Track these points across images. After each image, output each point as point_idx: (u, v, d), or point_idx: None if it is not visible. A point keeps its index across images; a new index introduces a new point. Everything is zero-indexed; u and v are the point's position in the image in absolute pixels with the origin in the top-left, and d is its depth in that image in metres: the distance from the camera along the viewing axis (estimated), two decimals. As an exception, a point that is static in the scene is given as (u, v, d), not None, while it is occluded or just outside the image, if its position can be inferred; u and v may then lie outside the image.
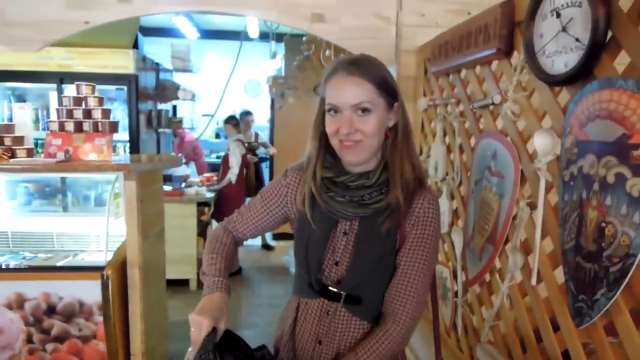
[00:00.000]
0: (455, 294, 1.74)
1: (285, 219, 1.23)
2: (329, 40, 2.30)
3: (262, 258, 5.50)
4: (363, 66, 1.06)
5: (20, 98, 4.44)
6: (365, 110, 1.04)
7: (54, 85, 4.08)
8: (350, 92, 1.04)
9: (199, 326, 1.00)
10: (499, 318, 1.44)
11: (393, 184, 1.08)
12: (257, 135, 5.77)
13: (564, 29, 1.10)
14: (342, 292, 1.12)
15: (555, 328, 1.16)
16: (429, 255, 1.11)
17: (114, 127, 2.16)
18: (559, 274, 1.12)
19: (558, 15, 1.11)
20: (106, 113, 2.18)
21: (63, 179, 2.89)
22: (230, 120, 4.98)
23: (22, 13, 2.09)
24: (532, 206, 1.25)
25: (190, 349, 1.03)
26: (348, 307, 1.13)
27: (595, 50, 1.00)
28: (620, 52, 0.98)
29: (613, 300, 0.92)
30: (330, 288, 1.13)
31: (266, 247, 5.84)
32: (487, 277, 1.50)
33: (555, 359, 1.15)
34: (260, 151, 5.73)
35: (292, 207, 1.19)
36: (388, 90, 1.08)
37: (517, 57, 1.35)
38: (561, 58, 1.11)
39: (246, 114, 5.65)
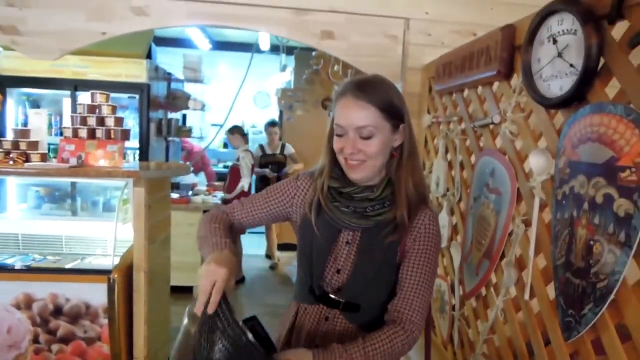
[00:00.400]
0: (453, 307, 1.78)
1: (286, 218, 1.28)
2: (338, 56, 2.37)
3: (266, 267, 5.53)
4: (370, 90, 1.11)
5: (35, 104, 4.54)
6: (367, 136, 1.09)
7: (68, 92, 4.17)
8: (355, 115, 1.09)
9: (213, 276, 0.98)
10: (494, 331, 1.47)
11: (399, 201, 1.13)
12: (283, 146, 5.39)
13: (559, 55, 1.15)
14: (341, 300, 1.17)
15: (547, 342, 1.20)
16: (432, 268, 1.16)
17: (125, 135, 2.23)
18: (551, 290, 1.16)
19: (554, 42, 1.17)
20: (119, 121, 2.25)
21: (73, 184, 2.97)
22: (235, 130, 4.92)
23: (43, 23, 2.18)
24: (527, 223, 1.30)
25: (190, 306, 1.01)
26: (345, 314, 1.18)
27: (588, 76, 1.05)
28: (612, 79, 1.03)
29: (599, 315, 0.96)
30: (331, 295, 1.17)
31: (270, 260, 5.66)
32: (483, 291, 1.54)
33: (545, 372, 1.18)
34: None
35: (297, 210, 1.24)
36: (394, 113, 1.12)
37: (517, 79, 1.41)
38: (557, 82, 1.16)
39: (270, 124, 5.38)
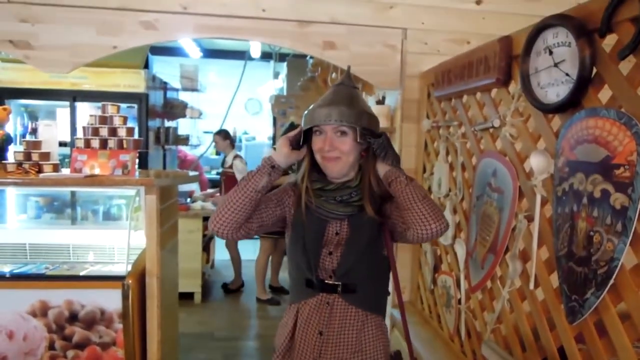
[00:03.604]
0: (459, 301, 1.88)
1: (282, 219, 1.41)
2: (339, 65, 2.48)
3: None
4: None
5: (33, 115, 4.58)
6: (342, 131, 1.29)
7: (67, 103, 4.22)
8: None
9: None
10: (500, 321, 1.58)
11: (364, 190, 1.33)
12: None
13: (555, 65, 1.27)
14: (338, 283, 1.31)
15: (551, 327, 1.31)
16: None
17: (138, 144, 2.31)
18: (554, 279, 1.27)
19: (550, 53, 1.29)
20: (130, 131, 2.33)
21: (73, 194, 3.02)
22: (224, 134, 4.75)
23: (55, 38, 2.24)
24: (529, 219, 1.41)
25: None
26: (345, 296, 1.31)
27: (583, 84, 1.17)
28: (604, 86, 1.15)
29: (601, 298, 1.07)
30: (327, 282, 1.32)
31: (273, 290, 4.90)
32: (489, 284, 1.65)
33: (551, 354, 1.29)
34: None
35: (290, 211, 1.40)
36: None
37: (514, 86, 1.52)
38: (553, 89, 1.28)
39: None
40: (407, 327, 1.46)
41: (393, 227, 1.34)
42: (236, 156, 4.73)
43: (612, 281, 1.04)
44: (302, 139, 1.34)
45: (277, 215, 1.38)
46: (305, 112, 1.33)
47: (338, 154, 1.28)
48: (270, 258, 4.64)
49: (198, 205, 4.60)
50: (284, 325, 1.42)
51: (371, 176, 1.33)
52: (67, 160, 3.30)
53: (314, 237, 1.33)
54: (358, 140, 1.29)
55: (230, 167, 4.69)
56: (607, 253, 1.05)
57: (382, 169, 1.31)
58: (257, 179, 1.27)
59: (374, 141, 1.29)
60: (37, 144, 2.38)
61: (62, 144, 4.60)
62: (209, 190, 5.58)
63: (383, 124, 2.59)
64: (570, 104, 1.22)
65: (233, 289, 4.87)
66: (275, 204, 1.38)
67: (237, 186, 1.28)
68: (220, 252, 6.01)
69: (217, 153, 9.05)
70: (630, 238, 0.99)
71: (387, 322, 1.51)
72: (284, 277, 4.77)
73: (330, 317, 1.32)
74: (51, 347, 2.29)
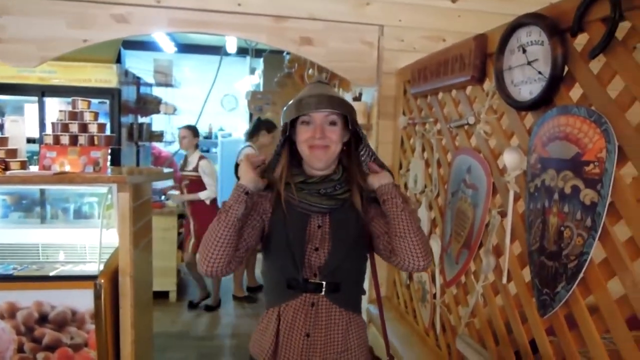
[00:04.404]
0: (434, 296, 1.91)
1: (262, 231, 1.35)
2: (316, 62, 2.47)
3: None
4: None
5: (-1, 110, 4.44)
6: (333, 121, 1.30)
7: (35, 98, 4.10)
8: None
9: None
10: (474, 315, 1.60)
11: (352, 181, 1.33)
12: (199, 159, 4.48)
13: (529, 63, 1.29)
14: (322, 282, 1.28)
15: (523, 320, 1.33)
16: None
17: (110, 140, 2.26)
18: (526, 273, 1.30)
19: (524, 51, 1.31)
20: (102, 127, 2.28)
21: (42, 192, 2.93)
22: (193, 129, 4.25)
23: (23, 30, 2.17)
24: (503, 214, 1.43)
25: None
26: (329, 296, 1.29)
27: (555, 82, 1.19)
28: (575, 84, 1.17)
29: (571, 291, 1.09)
30: (311, 280, 1.28)
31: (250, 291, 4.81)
32: (463, 278, 1.67)
33: (523, 347, 1.32)
34: None
35: (267, 214, 1.35)
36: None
37: (489, 83, 1.54)
38: (527, 87, 1.30)
39: (259, 123, 4.62)
40: (384, 325, 1.47)
41: (375, 239, 1.34)
42: (201, 157, 4.19)
43: (581, 275, 1.07)
44: (283, 137, 1.33)
45: (258, 229, 1.33)
46: (285, 107, 1.32)
47: (327, 142, 1.27)
48: None
49: (172, 202, 4.52)
50: (264, 331, 1.34)
51: (356, 169, 1.33)
52: (35, 157, 3.21)
53: (297, 232, 1.30)
54: (350, 128, 1.30)
55: (195, 169, 4.13)
56: (577, 248, 1.08)
57: (377, 181, 1.29)
58: (235, 208, 1.22)
59: (360, 131, 1.30)
60: (3, 141, 2.30)
61: (30, 141, 4.46)
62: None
63: (360, 120, 2.59)
64: (543, 102, 1.24)
65: (214, 306, 4.42)
66: (254, 219, 1.33)
67: (217, 220, 1.23)
68: (196, 249, 5.95)
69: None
70: (599, 233, 1.02)
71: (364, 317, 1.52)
72: (258, 274, 4.73)
73: (316, 318, 1.28)
74: (20, 349, 2.23)
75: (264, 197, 1.36)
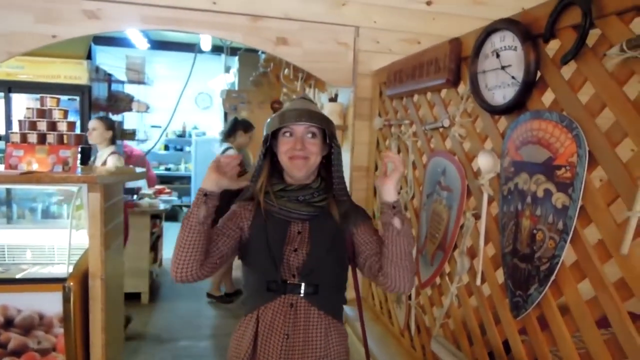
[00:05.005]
0: (409, 297, 1.92)
1: (239, 241, 1.37)
2: (292, 62, 2.46)
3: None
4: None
5: (-38, 106, 4.26)
6: (313, 133, 1.34)
7: (1, 94, 3.96)
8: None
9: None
10: (449, 316, 1.62)
11: (331, 193, 1.38)
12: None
13: (502, 68, 1.31)
14: (301, 283, 1.30)
15: (497, 321, 1.35)
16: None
17: (79, 139, 2.19)
18: (500, 275, 1.32)
19: (498, 56, 1.33)
20: (71, 126, 2.21)
21: (8, 191, 2.84)
22: (106, 121, 3.73)
23: (-12, 25, 2.09)
24: (477, 217, 1.45)
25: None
26: (307, 298, 1.30)
27: (528, 87, 1.21)
28: (547, 89, 1.20)
29: (543, 293, 1.11)
30: (290, 282, 1.30)
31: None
32: (438, 280, 1.69)
33: (497, 347, 1.34)
34: None
35: (247, 222, 1.37)
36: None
37: (464, 87, 1.56)
38: (500, 92, 1.32)
39: (235, 123, 4.36)
40: (364, 329, 1.48)
41: (359, 255, 1.37)
42: (113, 153, 3.68)
43: (553, 277, 1.09)
44: (264, 147, 1.37)
45: (234, 239, 1.35)
46: (269, 120, 1.37)
47: (307, 153, 1.32)
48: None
49: (146, 202, 4.44)
50: (241, 337, 1.35)
51: (333, 177, 1.37)
52: (0, 155, 3.09)
53: (277, 236, 1.33)
54: (327, 142, 1.36)
55: (104, 165, 3.60)
56: (549, 250, 1.10)
57: (383, 195, 1.27)
58: (195, 212, 1.23)
59: (336, 145, 1.35)
60: (-34, 139, 2.22)
61: (-5, 138, 4.32)
62: (158, 187, 5.39)
63: (336, 121, 2.60)
64: (516, 106, 1.26)
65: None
66: (230, 228, 1.36)
67: (182, 226, 1.24)
68: (169, 250, 5.85)
69: (166, 147, 8.80)
70: (570, 236, 1.04)
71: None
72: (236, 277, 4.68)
73: (295, 319, 1.29)
74: (-16, 354, 2.15)
75: (244, 206, 1.39)
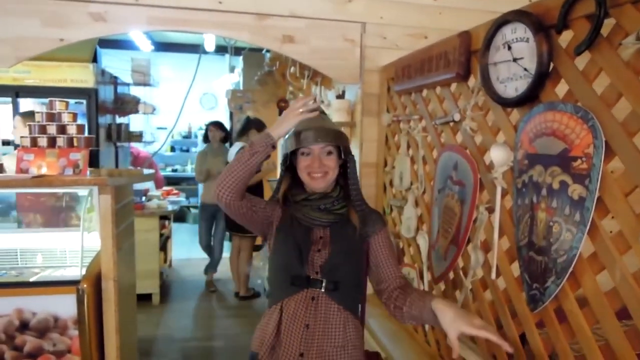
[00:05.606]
0: (422, 293, 1.91)
1: (266, 219, 1.50)
2: (299, 60, 2.45)
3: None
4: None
5: (-30, 112, 4.30)
6: (329, 151, 1.44)
7: (9, 99, 3.98)
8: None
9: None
10: (463, 311, 1.61)
11: (349, 201, 1.47)
12: None
13: (514, 60, 1.30)
14: (323, 279, 1.39)
15: (513, 315, 1.35)
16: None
17: (89, 142, 2.20)
18: (515, 268, 1.31)
19: (509, 48, 1.32)
20: (81, 128, 2.22)
21: (19, 194, 2.85)
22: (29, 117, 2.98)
23: (-4, 30, 2.10)
24: (490, 210, 1.44)
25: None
26: (328, 293, 1.40)
27: (541, 78, 1.20)
28: (561, 81, 1.19)
29: (561, 286, 1.11)
30: (312, 277, 1.40)
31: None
32: (452, 274, 1.68)
33: (513, 341, 1.33)
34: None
35: (276, 221, 1.50)
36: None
37: (474, 80, 1.55)
38: (512, 84, 1.31)
39: (248, 121, 4.50)
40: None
41: (381, 280, 1.48)
42: None
43: (571, 269, 1.08)
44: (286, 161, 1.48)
45: (264, 211, 1.49)
46: (286, 136, 1.45)
47: (326, 169, 1.43)
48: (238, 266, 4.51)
49: (154, 203, 4.46)
50: (265, 326, 1.45)
51: (350, 188, 1.46)
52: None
53: (303, 237, 1.44)
54: (342, 157, 1.45)
55: None
56: (566, 242, 1.09)
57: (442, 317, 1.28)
58: (258, 156, 1.37)
59: (351, 160, 1.46)
60: (-23, 144, 2.23)
61: (4, 143, 4.34)
62: (166, 188, 5.41)
63: (343, 118, 2.59)
64: (529, 98, 1.25)
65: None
66: (264, 208, 1.49)
67: (237, 158, 1.38)
68: (178, 250, 5.87)
69: (172, 149, 8.80)
70: (588, 227, 1.03)
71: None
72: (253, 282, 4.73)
73: (316, 311, 1.39)
74: (1, 357, 2.16)
75: (274, 207, 1.51)
